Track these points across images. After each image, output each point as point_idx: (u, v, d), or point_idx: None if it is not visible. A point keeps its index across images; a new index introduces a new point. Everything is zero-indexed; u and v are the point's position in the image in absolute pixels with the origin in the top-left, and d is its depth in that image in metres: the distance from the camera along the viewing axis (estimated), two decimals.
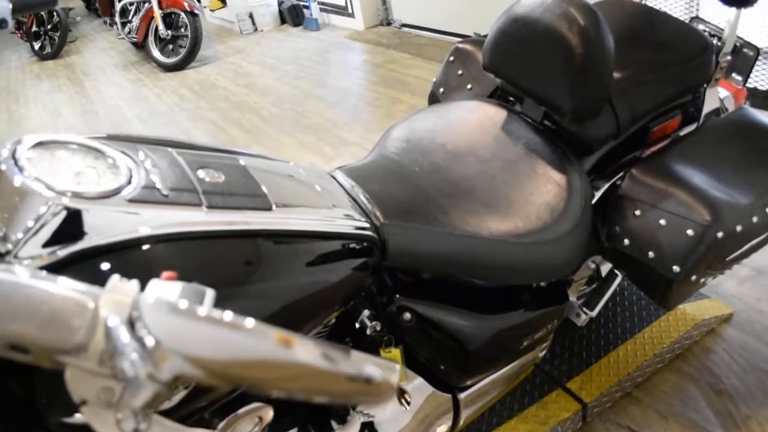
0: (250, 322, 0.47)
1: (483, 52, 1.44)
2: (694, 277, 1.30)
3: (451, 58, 1.75)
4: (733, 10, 1.47)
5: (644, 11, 1.58)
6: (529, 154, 1.32)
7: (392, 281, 1.21)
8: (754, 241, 1.38)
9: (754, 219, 1.30)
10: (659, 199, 1.30)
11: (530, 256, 1.20)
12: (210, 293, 0.53)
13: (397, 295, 1.20)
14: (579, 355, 1.88)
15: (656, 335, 1.92)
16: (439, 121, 1.41)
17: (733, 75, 1.70)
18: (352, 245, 1.07)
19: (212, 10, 7.57)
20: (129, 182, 0.79)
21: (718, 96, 1.58)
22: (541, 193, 1.25)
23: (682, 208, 1.26)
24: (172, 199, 0.82)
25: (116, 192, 0.76)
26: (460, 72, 1.69)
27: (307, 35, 6.19)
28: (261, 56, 5.80)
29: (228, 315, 0.47)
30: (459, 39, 4.86)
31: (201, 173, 0.90)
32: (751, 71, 1.68)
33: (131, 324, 0.48)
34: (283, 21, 6.83)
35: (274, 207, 0.94)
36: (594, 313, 1.49)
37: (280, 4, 6.80)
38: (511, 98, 1.54)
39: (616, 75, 1.36)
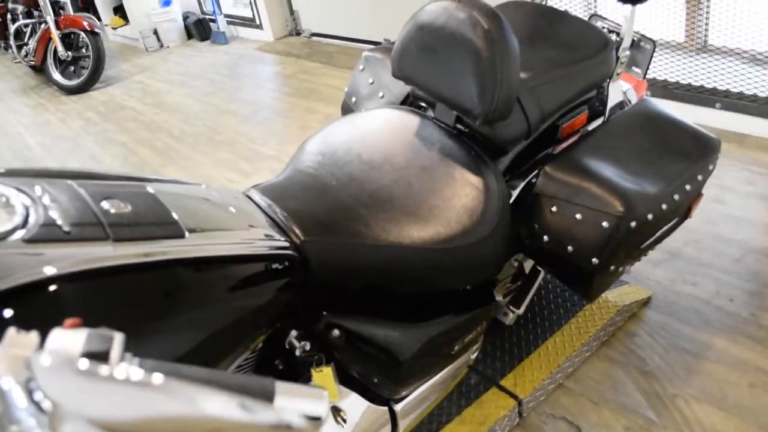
0: (158, 377, 0.44)
1: (391, 60, 1.44)
2: (612, 267, 1.33)
3: (361, 67, 1.74)
4: (629, 6, 1.52)
5: (545, 12, 1.62)
6: (445, 159, 1.32)
7: (318, 298, 1.18)
8: (665, 227, 1.43)
9: (664, 206, 1.34)
10: (573, 195, 1.32)
11: (453, 261, 1.20)
12: (119, 339, 0.49)
13: (324, 312, 1.18)
14: (510, 352, 1.90)
15: (582, 325, 1.97)
16: (353, 132, 1.39)
17: (633, 68, 1.77)
18: (273, 266, 1.04)
19: (114, 28, 7.33)
20: (25, 221, 0.73)
21: (621, 89, 1.63)
22: (459, 197, 1.25)
23: (596, 202, 1.30)
24: (75, 235, 0.77)
25: (10, 233, 0.70)
26: (370, 80, 1.68)
27: (216, 49, 6.07)
28: (168, 73, 5.64)
29: (134, 372, 0.44)
30: (369, 46, 4.89)
31: (105, 205, 0.86)
32: (649, 64, 1.74)
33: (29, 385, 0.44)
34: (189, 36, 6.66)
35: (186, 234, 0.90)
36: (521, 311, 1.51)
37: (185, 18, 6.63)
38: (423, 104, 1.54)
39: (522, 75, 1.38)
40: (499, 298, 1.49)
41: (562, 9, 1.63)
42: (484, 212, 1.24)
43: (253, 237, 1.03)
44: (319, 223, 1.14)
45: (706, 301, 2.06)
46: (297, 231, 1.11)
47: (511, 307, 1.51)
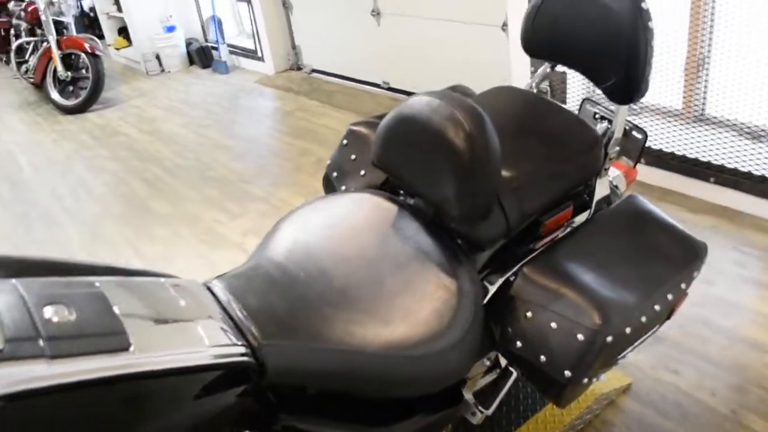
0: None
1: (372, 147, 1.40)
2: (586, 380, 1.28)
3: (345, 141, 1.70)
4: (622, 107, 1.50)
5: (535, 102, 1.59)
6: (419, 256, 1.27)
7: (276, 399, 1.13)
8: (645, 337, 1.39)
9: (643, 319, 1.30)
10: (550, 301, 1.28)
11: (419, 369, 1.15)
12: None
13: (282, 414, 1.13)
14: None
15: (557, 413, 1.91)
16: (328, 217, 1.35)
17: (623, 157, 1.73)
18: (226, 374, 0.99)
19: (117, 49, 7.33)
20: None
21: (608, 184, 1.60)
22: (431, 300, 1.20)
23: (571, 311, 1.25)
24: (8, 353, 0.72)
25: None
26: (353, 157, 1.64)
27: (216, 78, 6.07)
28: (167, 100, 5.63)
29: None
30: (369, 87, 4.89)
31: (48, 312, 0.80)
32: (641, 154, 1.71)
33: None
34: (191, 62, 6.67)
35: (132, 346, 0.84)
36: (489, 412, 1.45)
37: (188, 45, 6.64)
38: (402, 190, 1.50)
39: (505, 174, 1.35)
40: (468, 396, 1.44)
41: (553, 101, 1.59)
42: (455, 318, 1.19)
43: (206, 344, 0.98)
44: (280, 323, 1.09)
45: (687, 393, 2.00)
46: (255, 332, 1.06)
47: (480, 407, 1.46)
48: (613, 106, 1.58)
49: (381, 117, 1.68)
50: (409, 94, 4.56)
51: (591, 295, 1.26)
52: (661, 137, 3.09)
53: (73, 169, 4.35)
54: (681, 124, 3.07)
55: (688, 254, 1.44)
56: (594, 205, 1.55)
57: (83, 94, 5.60)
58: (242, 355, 1.01)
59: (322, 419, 1.17)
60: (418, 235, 1.32)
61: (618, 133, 1.52)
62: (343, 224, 1.33)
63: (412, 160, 1.30)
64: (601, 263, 1.35)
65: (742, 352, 2.12)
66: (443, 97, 1.22)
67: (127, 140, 4.76)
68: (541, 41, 1.57)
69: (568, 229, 1.51)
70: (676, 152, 3.05)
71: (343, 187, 1.63)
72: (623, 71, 1.40)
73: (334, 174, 1.67)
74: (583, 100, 1.74)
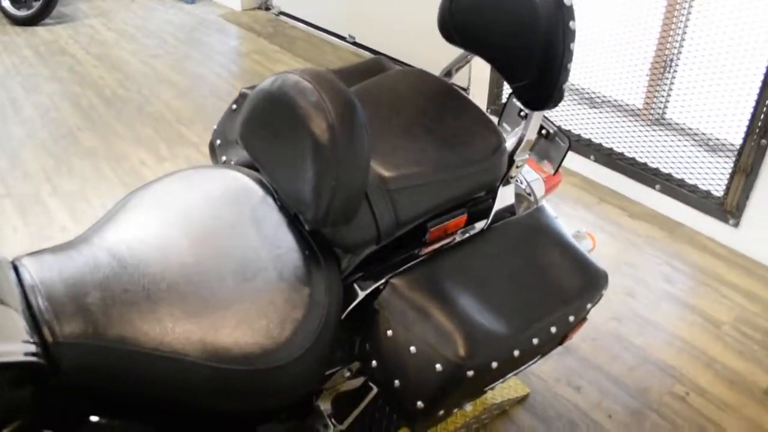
0: None
1: (238, 122, 1.23)
2: (441, 412, 1.16)
3: (234, 106, 1.53)
4: (534, 113, 1.35)
5: (442, 93, 1.42)
6: (273, 255, 1.12)
7: (79, 401, 0.99)
8: (520, 368, 1.27)
9: (515, 353, 1.17)
10: (413, 322, 1.14)
11: (250, 383, 1.02)
12: None
13: (92, 417, 0.99)
14: None
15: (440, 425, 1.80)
16: (180, 198, 1.19)
17: (545, 161, 1.59)
18: (9, 375, 0.85)
19: None
20: None
21: (513, 193, 1.45)
22: (275, 307, 1.06)
23: (434, 337, 1.12)
24: None
25: None
26: None
27: (180, 7, 5.74)
28: (123, 23, 5.31)
29: None
30: (334, 39, 4.65)
31: None
32: (561, 161, 1.56)
33: None
34: None
35: None
36: (344, 427, 1.33)
37: None
38: None
39: (384, 173, 1.19)
40: (325, 406, 1.31)
41: (464, 95, 1.43)
42: (299, 330, 1.05)
43: None
44: (88, 318, 0.94)
45: (584, 413, 1.91)
46: (54, 328, 0.91)
47: (333, 420, 1.33)
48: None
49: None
50: (373, 52, 4.35)
51: (459, 321, 1.13)
52: (615, 135, 2.95)
53: (6, 85, 4.07)
54: (639, 125, 2.93)
55: (586, 283, 1.31)
56: (493, 215, 1.40)
57: (36, 6, 5.26)
58: (29, 354, 0.87)
59: (137, 425, 1.03)
60: (278, 230, 1.17)
61: (528, 138, 1.36)
62: (197, 207, 1.17)
63: (272, 146, 1.14)
64: (481, 283, 1.22)
65: (648, 374, 2.04)
66: (314, 79, 1.05)
67: (71, 61, 4.47)
68: (457, 25, 1.40)
69: (461, 238, 1.36)
70: (627, 153, 2.91)
71: (224, 158, 1.46)
72: (536, 73, 1.24)
73: (218, 142, 1.50)
74: (510, 93, 1.58)
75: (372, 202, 1.16)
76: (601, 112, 3.01)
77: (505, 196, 1.40)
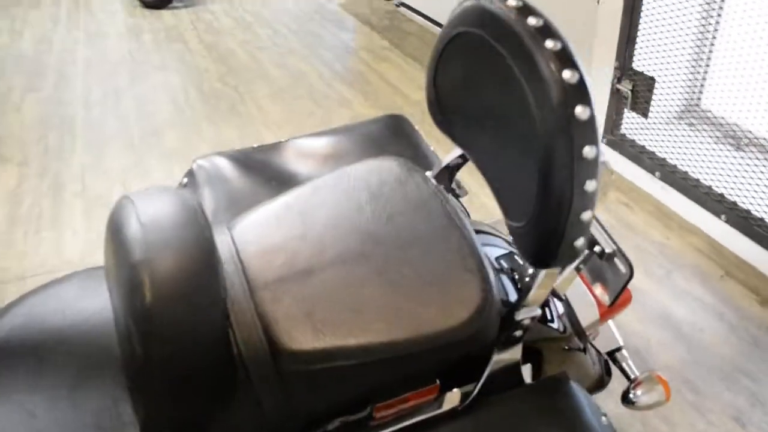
0: None
1: None
2: None
3: (185, 181, 1.27)
4: (541, 271, 0.92)
5: (419, 206, 1.00)
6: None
7: None
8: None
9: None
10: None
11: None
12: None
13: None
14: None
15: None
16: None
17: (598, 285, 1.18)
18: None
19: None
20: None
21: (520, 348, 1.03)
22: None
23: None
24: None
25: None
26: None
27: None
28: (243, 10, 5.24)
29: None
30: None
31: None
32: (620, 293, 1.13)
33: None
34: None
35: None
36: None
37: None
38: None
39: (288, 346, 0.84)
40: None
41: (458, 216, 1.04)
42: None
43: None
44: None
45: None
46: None
47: None
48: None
49: (235, 153, 1.25)
50: None
51: None
52: (758, 193, 2.28)
53: (117, 72, 4.10)
54: None
55: None
56: (484, 379, 0.99)
57: None
58: None
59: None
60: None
61: (533, 299, 0.95)
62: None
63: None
64: None
65: None
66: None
67: (182, 50, 4.44)
68: (443, 108, 1.01)
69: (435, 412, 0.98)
70: None
71: None
72: (533, 216, 0.83)
73: None
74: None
75: (262, 388, 0.82)
76: (743, 158, 2.35)
77: (500, 363, 0.99)
